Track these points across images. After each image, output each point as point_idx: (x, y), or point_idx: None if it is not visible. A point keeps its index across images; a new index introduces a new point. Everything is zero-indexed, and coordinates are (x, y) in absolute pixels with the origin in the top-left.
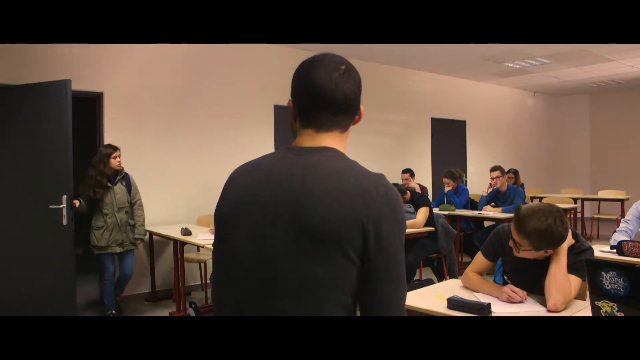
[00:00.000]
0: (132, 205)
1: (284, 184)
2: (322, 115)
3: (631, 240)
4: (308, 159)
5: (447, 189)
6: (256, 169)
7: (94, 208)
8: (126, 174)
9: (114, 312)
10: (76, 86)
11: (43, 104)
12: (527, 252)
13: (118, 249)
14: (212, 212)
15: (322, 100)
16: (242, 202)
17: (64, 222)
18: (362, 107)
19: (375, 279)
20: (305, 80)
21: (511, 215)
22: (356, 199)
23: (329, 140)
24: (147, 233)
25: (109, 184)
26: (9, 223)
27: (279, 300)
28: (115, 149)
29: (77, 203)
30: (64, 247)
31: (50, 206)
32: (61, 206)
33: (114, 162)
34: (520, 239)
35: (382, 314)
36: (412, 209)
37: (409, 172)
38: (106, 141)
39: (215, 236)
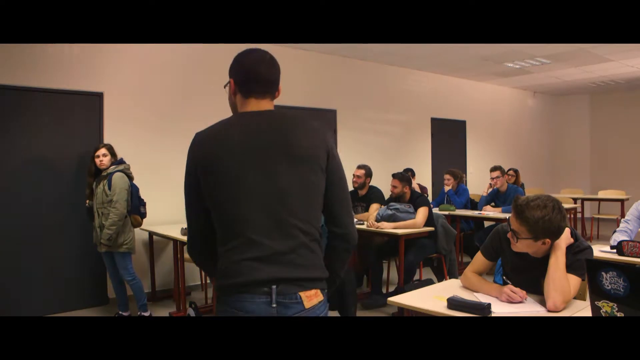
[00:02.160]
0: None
1: (270, 132)
2: (259, 87)
3: (631, 240)
4: (272, 115)
5: (447, 187)
6: (233, 126)
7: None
8: (111, 173)
9: (119, 312)
10: (76, 86)
11: (78, 110)
12: (525, 244)
13: (99, 249)
14: None
15: (259, 78)
16: (241, 150)
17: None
18: (280, 86)
19: (334, 183)
20: (245, 65)
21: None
22: (321, 134)
23: (267, 104)
24: (111, 237)
25: (95, 185)
26: (47, 217)
27: (292, 197)
28: (97, 148)
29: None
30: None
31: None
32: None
33: (96, 161)
34: (519, 226)
35: (342, 206)
36: (411, 209)
37: (409, 172)
38: (106, 141)
39: (202, 199)
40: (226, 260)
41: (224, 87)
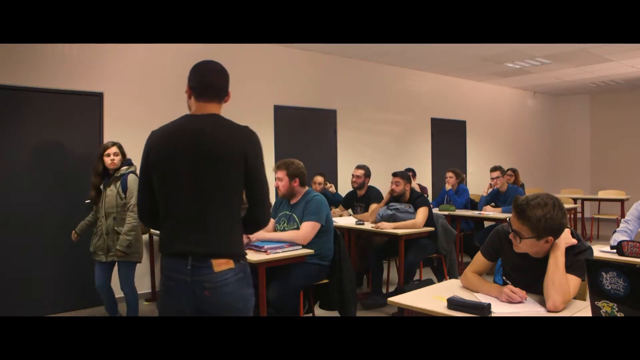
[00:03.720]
0: (125, 210)
1: (198, 135)
2: (208, 93)
3: (631, 240)
4: (207, 119)
5: (447, 186)
6: (175, 130)
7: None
8: (124, 175)
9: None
10: (76, 86)
11: (78, 110)
12: (527, 243)
13: (103, 258)
14: None
15: (209, 85)
16: (174, 153)
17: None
18: (230, 92)
19: (253, 179)
20: (198, 73)
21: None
22: (241, 138)
23: (213, 107)
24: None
25: (102, 186)
26: (46, 217)
27: (215, 193)
28: (107, 146)
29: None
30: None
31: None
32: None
33: (106, 161)
34: (520, 226)
35: (257, 199)
36: (411, 209)
37: (410, 171)
38: (106, 141)
39: (149, 181)
40: (165, 235)
41: (185, 92)
